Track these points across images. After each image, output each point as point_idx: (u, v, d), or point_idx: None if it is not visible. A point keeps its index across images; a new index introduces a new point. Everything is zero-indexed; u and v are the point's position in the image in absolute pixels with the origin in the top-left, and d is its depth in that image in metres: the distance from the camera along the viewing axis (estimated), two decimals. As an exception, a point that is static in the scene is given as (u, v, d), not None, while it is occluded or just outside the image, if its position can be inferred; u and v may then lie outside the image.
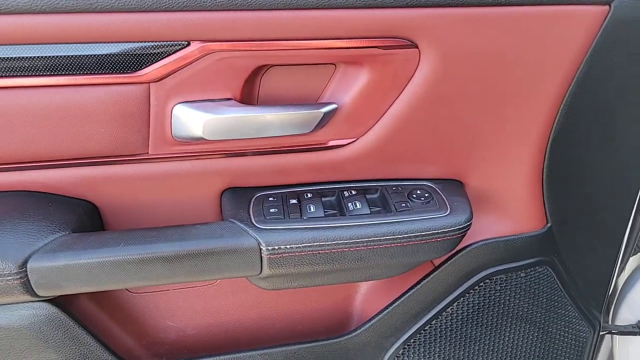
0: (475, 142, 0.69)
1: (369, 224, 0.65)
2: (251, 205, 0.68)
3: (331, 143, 0.69)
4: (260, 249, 0.63)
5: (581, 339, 0.83)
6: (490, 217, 0.72)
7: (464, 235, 0.69)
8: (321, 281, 0.69)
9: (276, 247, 0.63)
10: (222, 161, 0.67)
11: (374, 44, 0.61)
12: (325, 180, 0.72)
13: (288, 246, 0.63)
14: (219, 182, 0.70)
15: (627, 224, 0.78)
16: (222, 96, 0.63)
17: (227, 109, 0.63)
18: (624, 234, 0.79)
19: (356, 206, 0.67)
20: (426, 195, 0.70)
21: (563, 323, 0.80)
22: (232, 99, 0.64)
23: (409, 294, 0.75)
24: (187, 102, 0.62)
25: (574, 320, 0.81)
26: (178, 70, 0.60)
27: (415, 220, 0.66)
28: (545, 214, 0.74)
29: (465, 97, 0.66)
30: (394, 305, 0.75)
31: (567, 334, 0.81)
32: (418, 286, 0.74)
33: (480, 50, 0.62)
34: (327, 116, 0.65)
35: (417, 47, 0.62)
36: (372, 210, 0.67)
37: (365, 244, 0.64)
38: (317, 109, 0.64)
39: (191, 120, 0.63)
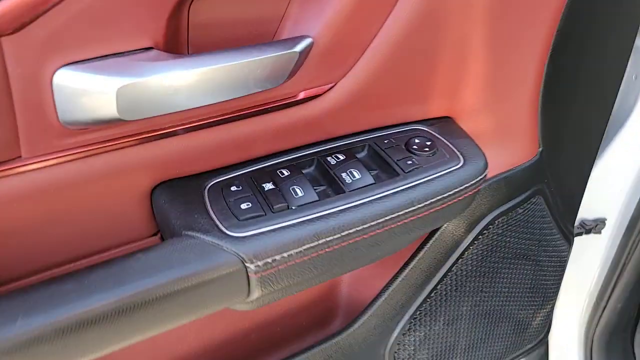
0: (472, 64, 0.55)
1: (380, 197, 0.48)
2: (208, 203, 0.47)
3: (302, 95, 0.49)
4: (246, 268, 0.43)
5: (563, 259, 0.80)
6: (487, 153, 0.61)
7: (482, 185, 0.56)
8: (321, 280, 0.52)
9: (268, 261, 0.43)
10: (146, 148, 0.44)
11: None
12: (293, 147, 0.53)
13: (285, 254, 0.44)
14: (145, 179, 0.47)
15: (602, 136, 0.74)
16: (136, 45, 0.39)
17: (151, 65, 0.39)
18: (598, 147, 0.75)
19: (354, 176, 0.50)
20: (428, 143, 0.55)
21: (550, 249, 0.76)
22: (153, 47, 0.40)
23: (411, 264, 0.62)
24: (77, 62, 0.37)
25: (558, 242, 0.77)
26: (51, 8, 0.34)
27: (430, 180, 0.51)
28: (538, 138, 0.65)
29: (463, 10, 0.51)
30: (397, 280, 0.62)
31: (553, 258, 0.78)
32: (420, 253, 0.62)
33: None
34: (302, 57, 0.45)
35: None
36: (374, 177, 0.50)
37: (381, 226, 0.48)
38: (288, 48, 0.43)
39: (91, 92, 0.38)
